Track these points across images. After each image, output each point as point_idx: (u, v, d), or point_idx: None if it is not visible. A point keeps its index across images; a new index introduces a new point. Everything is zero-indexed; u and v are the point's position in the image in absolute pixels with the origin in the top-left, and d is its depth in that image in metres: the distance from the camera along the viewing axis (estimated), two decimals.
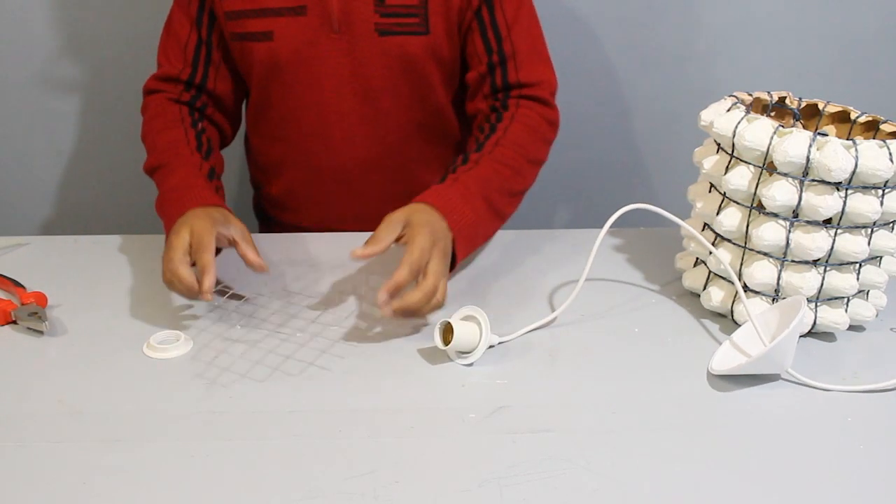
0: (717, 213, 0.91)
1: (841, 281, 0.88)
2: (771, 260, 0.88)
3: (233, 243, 0.91)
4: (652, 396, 0.81)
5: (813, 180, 0.84)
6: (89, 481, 0.68)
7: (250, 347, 0.86)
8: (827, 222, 0.86)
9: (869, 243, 0.86)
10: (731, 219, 0.90)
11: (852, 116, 0.96)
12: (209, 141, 1.09)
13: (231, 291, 0.95)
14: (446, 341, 0.83)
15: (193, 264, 0.88)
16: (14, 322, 0.89)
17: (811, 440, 0.75)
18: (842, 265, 0.88)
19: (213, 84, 1.13)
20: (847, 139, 0.84)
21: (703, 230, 0.96)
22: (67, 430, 0.74)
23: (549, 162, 1.52)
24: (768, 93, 0.99)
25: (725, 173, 0.89)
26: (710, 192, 0.95)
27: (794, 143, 0.83)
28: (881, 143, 0.83)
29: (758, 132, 0.85)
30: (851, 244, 0.85)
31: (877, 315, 0.93)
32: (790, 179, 0.84)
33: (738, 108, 0.91)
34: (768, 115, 0.98)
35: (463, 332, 0.83)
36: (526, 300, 0.97)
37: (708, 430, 0.77)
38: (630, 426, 0.76)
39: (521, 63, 1.10)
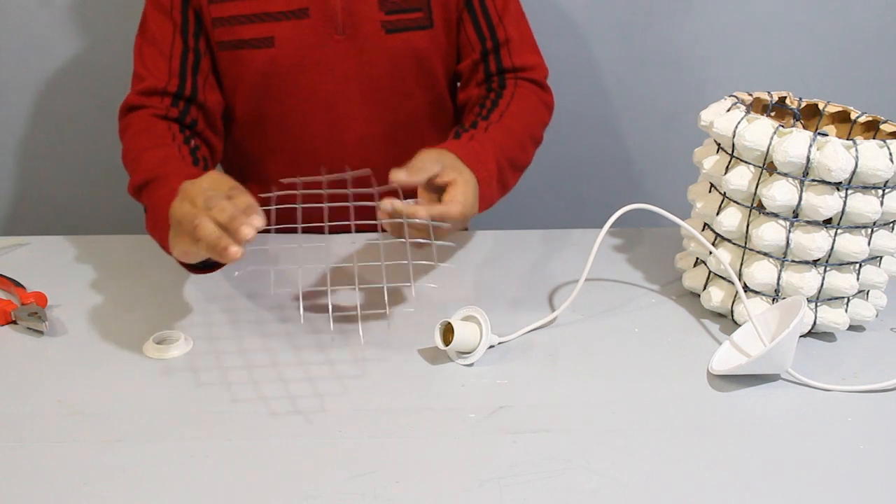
0: (717, 213, 0.91)
1: (841, 281, 0.88)
2: (771, 260, 0.89)
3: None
4: (652, 396, 0.81)
5: (813, 180, 0.84)
6: (89, 481, 0.68)
7: (250, 347, 0.86)
8: (827, 222, 0.86)
9: (869, 243, 0.86)
10: (731, 219, 0.90)
11: (852, 116, 0.96)
12: (205, 159, 1.01)
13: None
14: (446, 341, 0.83)
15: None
16: (14, 322, 0.89)
17: (811, 440, 0.75)
18: (842, 265, 0.88)
19: (203, 96, 1.04)
20: (847, 139, 0.84)
21: (703, 230, 0.96)
22: (67, 430, 0.74)
23: (549, 162, 1.52)
24: (768, 93, 0.99)
25: (725, 173, 0.89)
26: (710, 192, 0.95)
27: (794, 143, 0.83)
28: (881, 143, 0.83)
29: (758, 132, 0.85)
30: (851, 244, 0.85)
31: (877, 315, 0.93)
32: (790, 179, 0.84)
33: (738, 108, 0.91)
34: (768, 115, 0.98)
35: (463, 333, 0.83)
36: (526, 300, 0.97)
37: (708, 430, 0.77)
38: (630, 426, 0.76)
39: (515, 49, 1.12)
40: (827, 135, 0.86)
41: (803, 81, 1.56)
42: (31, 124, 1.51)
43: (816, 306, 0.89)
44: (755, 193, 0.87)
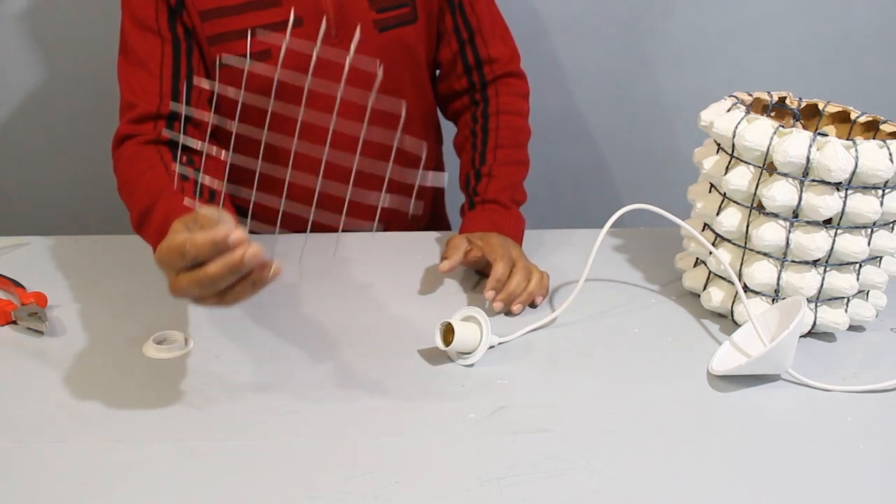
0: (717, 214, 0.91)
1: (841, 281, 0.88)
2: (771, 260, 0.88)
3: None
4: (652, 396, 0.81)
5: (813, 180, 0.84)
6: (89, 481, 0.68)
7: (250, 347, 0.86)
8: (827, 222, 0.86)
9: (869, 243, 0.86)
10: (731, 219, 0.90)
11: (852, 116, 0.96)
12: (197, 172, 0.97)
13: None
14: (447, 342, 0.83)
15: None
16: (14, 322, 0.89)
17: (811, 440, 0.75)
18: (842, 265, 0.88)
19: (198, 113, 1.01)
20: (847, 139, 0.84)
21: (703, 230, 0.96)
22: (67, 430, 0.74)
23: (549, 162, 1.52)
24: (768, 93, 0.99)
25: (725, 173, 0.89)
26: (710, 192, 0.95)
27: (794, 144, 0.83)
28: (881, 143, 0.83)
29: (758, 132, 0.85)
30: (851, 244, 0.85)
31: (877, 315, 0.93)
32: (790, 179, 0.84)
33: (738, 108, 0.91)
34: (768, 116, 0.98)
35: (463, 333, 0.83)
36: None
37: (708, 429, 0.77)
38: (630, 426, 0.76)
39: (487, 36, 1.15)
40: (827, 135, 0.86)
41: (803, 81, 1.56)
42: (30, 124, 1.51)
43: (816, 306, 0.89)
44: (755, 193, 0.87)
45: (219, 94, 1.06)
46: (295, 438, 0.73)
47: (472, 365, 0.84)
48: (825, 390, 0.82)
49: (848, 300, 0.91)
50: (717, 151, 0.93)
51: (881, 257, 0.91)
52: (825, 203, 0.83)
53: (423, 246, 1.09)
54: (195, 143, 1.00)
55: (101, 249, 1.06)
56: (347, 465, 0.70)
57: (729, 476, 0.71)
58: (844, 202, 0.84)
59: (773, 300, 0.90)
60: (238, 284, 0.67)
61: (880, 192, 0.84)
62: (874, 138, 0.92)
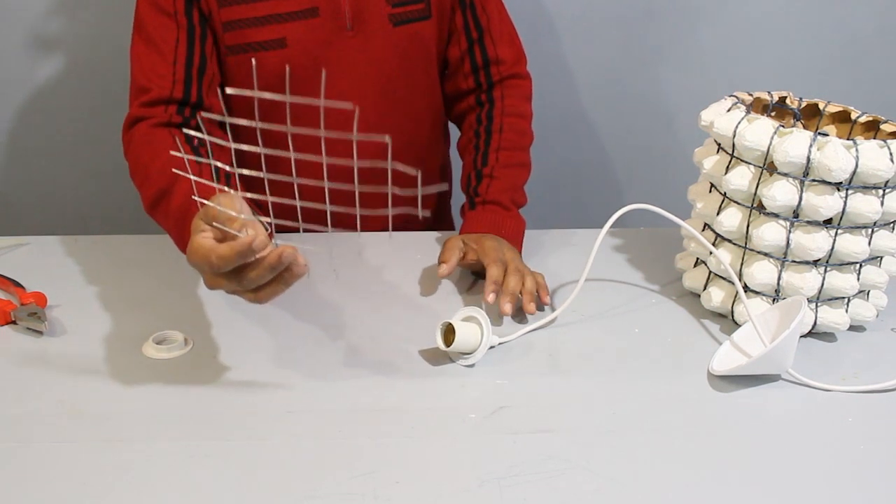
0: (718, 214, 0.91)
1: (841, 281, 0.88)
2: (771, 260, 0.88)
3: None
4: (652, 396, 0.81)
5: (813, 180, 0.84)
6: (89, 481, 0.68)
7: (250, 347, 0.86)
8: (827, 222, 0.86)
9: (869, 243, 0.86)
10: (731, 219, 0.90)
11: (853, 116, 0.96)
12: (210, 155, 0.95)
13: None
14: (448, 342, 0.83)
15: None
16: (14, 322, 0.89)
17: (811, 440, 0.75)
18: (842, 265, 0.88)
19: (209, 101, 1.02)
20: (847, 139, 0.84)
21: (703, 230, 0.96)
22: (67, 430, 0.74)
23: (549, 162, 1.52)
24: (768, 93, 0.99)
25: (726, 173, 0.89)
26: (710, 192, 0.95)
27: (794, 143, 0.83)
28: (882, 143, 0.83)
29: (758, 132, 0.85)
30: (852, 244, 0.85)
31: (877, 315, 0.93)
32: (790, 179, 0.84)
33: (739, 108, 0.91)
34: (768, 115, 0.98)
35: (464, 333, 0.83)
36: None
37: (708, 430, 0.76)
38: (630, 426, 0.76)
39: (496, 36, 1.16)
40: (827, 135, 0.86)
41: (803, 81, 1.56)
42: (30, 124, 1.51)
43: (817, 306, 0.89)
44: (755, 193, 0.87)
45: (230, 82, 1.06)
46: (295, 438, 0.73)
47: (472, 365, 0.84)
48: (825, 390, 0.82)
49: (848, 300, 0.91)
50: (718, 151, 0.93)
51: (881, 257, 0.91)
52: (825, 203, 0.83)
53: (423, 246, 1.09)
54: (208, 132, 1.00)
55: (101, 249, 1.06)
56: (347, 465, 0.70)
57: (729, 476, 0.71)
58: (845, 202, 0.84)
59: (773, 300, 0.90)
60: (273, 282, 0.69)
61: (881, 191, 0.84)
62: (874, 138, 0.91)
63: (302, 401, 0.78)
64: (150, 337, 0.86)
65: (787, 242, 0.86)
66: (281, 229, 0.72)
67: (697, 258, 0.99)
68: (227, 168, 0.73)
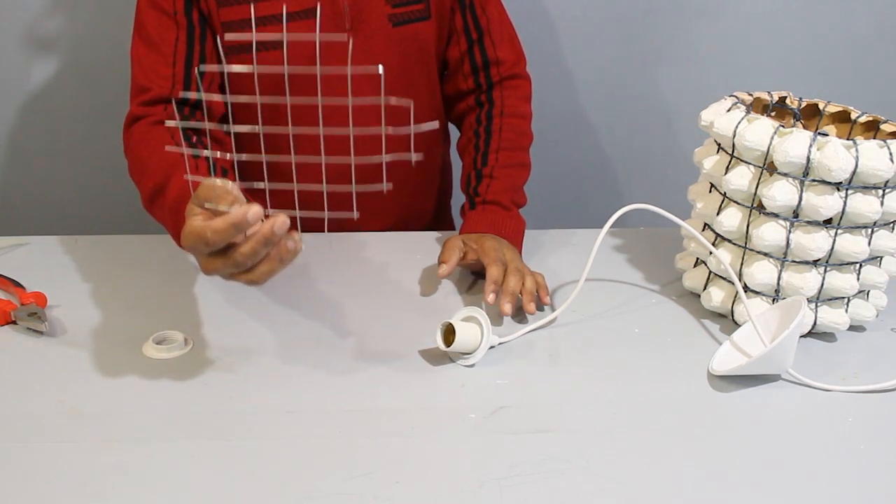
0: (718, 213, 0.91)
1: (841, 281, 0.88)
2: (771, 260, 0.88)
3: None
4: (652, 396, 0.81)
5: (813, 180, 0.84)
6: (89, 481, 0.68)
7: (250, 348, 0.86)
8: (827, 222, 0.86)
9: (869, 243, 0.86)
10: (731, 219, 0.90)
11: (852, 116, 0.96)
12: (208, 149, 0.98)
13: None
14: (448, 342, 0.83)
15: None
16: (14, 322, 0.89)
17: (811, 440, 0.75)
18: (842, 265, 0.88)
19: (209, 101, 1.02)
20: (847, 139, 0.84)
21: (703, 230, 0.96)
22: (67, 430, 0.74)
23: (549, 162, 1.52)
24: (768, 93, 0.99)
25: (726, 173, 0.89)
26: (710, 192, 0.95)
27: (794, 143, 0.83)
28: (881, 143, 0.83)
29: (758, 132, 0.85)
30: (852, 244, 0.85)
31: (877, 315, 0.93)
32: (790, 179, 0.84)
33: (739, 108, 0.91)
34: (768, 115, 0.98)
35: (465, 334, 0.83)
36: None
37: (708, 430, 0.76)
38: (630, 426, 0.76)
39: (496, 37, 1.16)
40: (827, 135, 0.86)
41: (803, 81, 1.56)
42: (30, 124, 1.51)
43: (817, 306, 0.89)
44: (755, 193, 0.87)
45: (230, 83, 1.07)
46: (295, 438, 0.73)
47: (472, 365, 0.84)
48: (825, 390, 0.82)
49: (848, 300, 0.91)
50: (718, 151, 0.93)
51: (881, 257, 0.91)
52: (825, 203, 0.83)
53: (423, 246, 1.09)
54: (204, 123, 1.01)
55: (101, 249, 1.06)
56: (347, 465, 0.70)
57: (729, 476, 0.71)
58: (845, 202, 0.84)
59: (773, 300, 0.90)
60: (266, 260, 0.69)
61: (881, 191, 0.84)
62: (874, 138, 0.91)
63: (302, 401, 0.78)
64: (150, 337, 0.86)
65: (787, 242, 0.86)
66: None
67: (697, 258, 0.99)
68: (230, 156, 0.73)
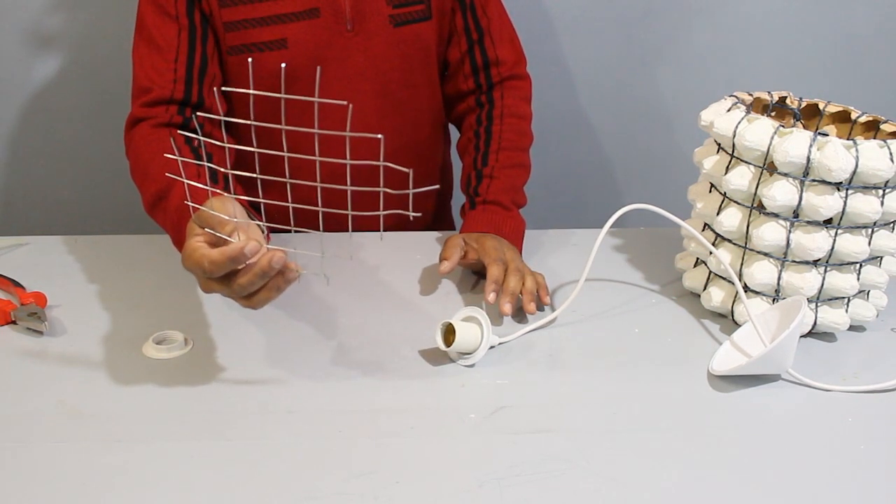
0: (718, 213, 0.91)
1: (841, 281, 0.88)
2: (771, 260, 0.88)
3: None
4: (652, 396, 0.81)
5: (813, 180, 0.84)
6: (89, 481, 0.68)
7: (250, 347, 0.86)
8: (827, 222, 0.86)
9: (869, 243, 0.86)
10: (731, 219, 0.90)
11: (853, 116, 0.96)
12: (209, 155, 0.97)
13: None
14: (448, 342, 0.83)
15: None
16: (14, 322, 0.89)
17: (811, 440, 0.75)
18: (842, 265, 0.88)
19: (209, 102, 1.02)
20: (847, 139, 0.84)
21: (703, 230, 0.96)
22: (67, 430, 0.74)
23: (549, 162, 1.52)
24: (768, 93, 0.99)
25: (726, 173, 0.89)
26: (710, 192, 0.95)
27: (794, 143, 0.83)
28: (882, 143, 0.83)
29: (758, 132, 0.85)
30: (852, 244, 0.85)
31: (877, 315, 0.93)
32: (790, 179, 0.84)
33: (739, 108, 0.91)
34: (768, 115, 0.98)
35: (465, 334, 0.83)
36: None
37: (708, 430, 0.76)
38: (630, 426, 0.76)
39: (496, 38, 1.16)
40: (827, 135, 0.86)
41: (803, 81, 1.56)
42: (29, 124, 1.51)
43: (817, 306, 0.89)
44: (755, 193, 0.87)
45: (231, 83, 1.07)
46: (295, 438, 0.73)
47: (472, 365, 0.84)
48: (825, 390, 0.82)
49: (848, 300, 0.91)
50: (718, 151, 0.93)
51: (882, 257, 0.91)
52: (825, 203, 0.83)
53: (423, 246, 1.09)
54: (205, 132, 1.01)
55: (101, 249, 1.06)
56: (347, 465, 0.70)
57: (729, 476, 0.71)
58: (845, 202, 0.84)
59: (773, 300, 0.90)
60: (265, 289, 0.71)
61: (881, 191, 0.84)
62: (874, 138, 0.91)
63: (302, 401, 0.78)
64: (150, 337, 0.86)
65: (787, 242, 0.86)
66: (277, 230, 0.72)
67: (697, 258, 0.99)
68: (222, 169, 0.73)
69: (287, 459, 0.71)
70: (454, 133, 1.26)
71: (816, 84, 1.57)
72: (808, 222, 0.86)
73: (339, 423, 0.75)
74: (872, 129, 0.95)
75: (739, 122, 0.87)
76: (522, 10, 1.42)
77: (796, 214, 0.86)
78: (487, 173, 1.10)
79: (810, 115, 0.99)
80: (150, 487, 0.68)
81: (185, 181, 0.72)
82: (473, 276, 1.02)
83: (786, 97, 0.99)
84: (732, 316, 0.92)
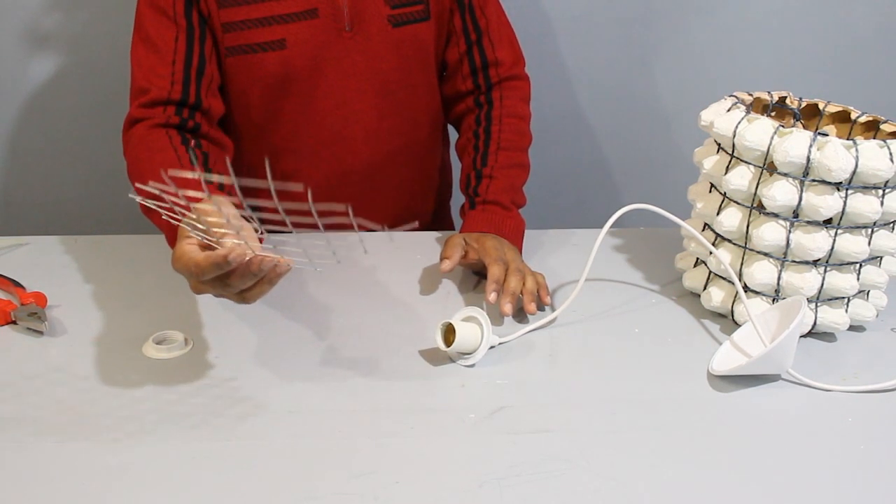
0: (718, 213, 0.91)
1: (841, 281, 0.88)
2: (771, 260, 0.88)
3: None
4: (652, 396, 0.81)
5: (813, 180, 0.84)
6: (89, 481, 0.68)
7: (250, 347, 0.86)
8: (827, 222, 0.86)
9: (869, 243, 0.86)
10: (731, 219, 0.90)
11: (852, 116, 0.96)
12: (205, 155, 0.98)
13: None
14: (448, 342, 0.83)
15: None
16: (14, 322, 0.89)
17: (811, 440, 0.75)
18: (842, 265, 0.88)
19: (207, 102, 1.02)
20: (847, 139, 0.84)
21: (703, 230, 0.96)
22: (67, 430, 0.74)
23: (549, 162, 1.52)
24: (768, 93, 0.99)
25: (726, 173, 0.89)
26: (710, 192, 0.95)
27: (794, 143, 0.83)
28: (881, 143, 0.83)
29: (758, 132, 0.85)
30: (852, 244, 0.85)
31: (877, 315, 0.93)
32: (790, 179, 0.84)
33: (739, 108, 0.91)
34: (768, 115, 0.98)
35: (465, 334, 0.83)
36: None
37: (708, 430, 0.77)
38: (630, 426, 0.76)
39: (495, 38, 1.16)
40: (827, 135, 0.86)
41: (803, 81, 1.56)
42: (29, 124, 1.51)
43: (817, 306, 0.89)
44: (755, 193, 0.87)
45: (229, 83, 1.07)
46: (295, 438, 0.73)
47: (472, 365, 0.84)
48: (825, 390, 0.82)
49: (848, 300, 0.91)
50: (718, 151, 0.93)
51: (881, 257, 0.91)
52: (825, 203, 0.83)
53: (423, 246, 1.09)
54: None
55: (101, 249, 1.06)
56: (347, 466, 0.70)
57: (729, 476, 0.71)
58: (845, 202, 0.84)
59: (773, 300, 0.90)
60: (257, 284, 0.71)
61: (881, 191, 0.84)
62: (874, 138, 0.91)
63: (302, 401, 0.78)
64: (150, 337, 0.86)
65: (787, 242, 0.86)
66: (274, 231, 0.72)
67: (697, 258, 0.99)
68: (215, 177, 0.74)
69: (287, 459, 0.71)
70: (453, 133, 1.26)
71: (816, 84, 1.57)
72: (808, 222, 0.86)
73: (339, 423, 0.75)
74: (872, 129, 0.95)
75: (739, 122, 0.87)
76: (521, 11, 1.42)
77: (796, 214, 0.86)
78: (487, 173, 1.10)
79: (810, 115, 0.99)
80: (150, 487, 0.68)
81: (179, 191, 0.72)
82: (474, 276, 1.02)
83: (786, 97, 0.99)
84: (732, 316, 0.92)
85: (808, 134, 0.83)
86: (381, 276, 1.01)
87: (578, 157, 1.62)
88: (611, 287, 1.01)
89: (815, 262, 0.87)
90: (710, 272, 0.95)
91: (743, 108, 0.91)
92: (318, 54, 1.06)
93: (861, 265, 0.89)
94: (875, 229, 0.87)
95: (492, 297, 0.90)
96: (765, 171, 0.87)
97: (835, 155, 0.81)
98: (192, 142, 0.98)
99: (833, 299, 0.90)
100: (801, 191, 0.84)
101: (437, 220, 1.28)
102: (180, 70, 1.00)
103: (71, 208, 1.58)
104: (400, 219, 1.19)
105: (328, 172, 1.14)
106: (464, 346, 0.83)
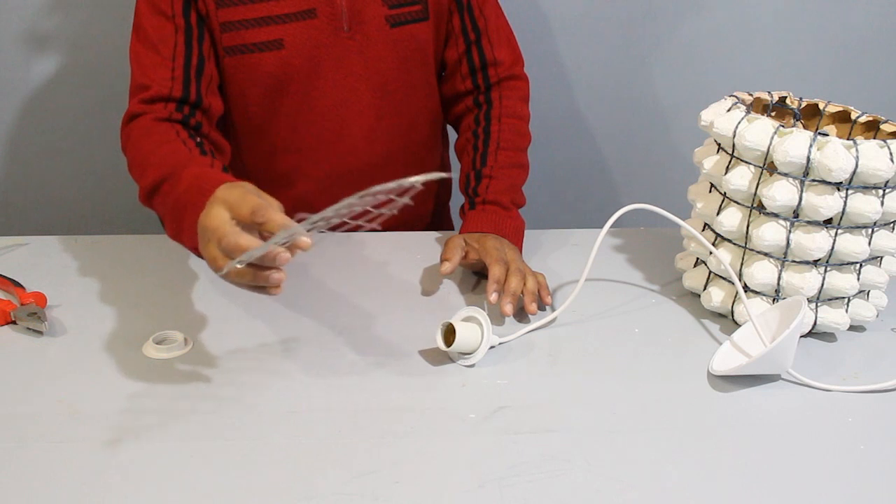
0: (718, 213, 0.91)
1: (841, 281, 0.88)
2: (771, 260, 0.88)
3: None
4: (652, 396, 0.81)
5: (813, 180, 0.84)
6: (89, 481, 0.68)
7: (250, 347, 0.86)
8: (827, 222, 0.86)
9: (869, 243, 0.86)
10: (731, 219, 0.90)
11: (853, 116, 0.96)
12: (213, 154, 0.96)
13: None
14: (448, 342, 0.83)
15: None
16: (14, 322, 0.89)
17: (811, 440, 0.75)
18: (842, 265, 0.88)
19: (207, 101, 1.02)
20: (847, 139, 0.84)
21: (703, 230, 0.96)
22: (67, 430, 0.74)
23: (549, 162, 1.52)
24: (768, 93, 0.99)
25: (726, 173, 0.89)
26: (710, 192, 0.95)
27: (794, 143, 0.83)
28: (882, 143, 0.83)
29: (758, 132, 0.85)
30: (852, 244, 0.85)
31: (877, 315, 0.93)
32: (790, 179, 0.84)
33: (739, 108, 0.91)
34: (768, 115, 0.98)
35: (465, 334, 0.83)
36: None
37: (708, 430, 0.77)
38: (630, 426, 0.76)
39: (494, 38, 1.16)
40: (827, 135, 0.86)
41: (803, 81, 1.56)
42: (30, 124, 1.51)
43: (817, 306, 0.89)
44: (755, 193, 0.87)
45: (227, 83, 1.07)
46: (295, 438, 0.73)
47: (472, 365, 0.84)
48: (825, 390, 0.82)
49: (848, 300, 0.91)
50: (718, 151, 0.93)
51: (882, 257, 0.91)
52: (826, 203, 0.83)
53: (423, 246, 1.09)
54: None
55: (101, 249, 1.06)
56: (347, 466, 0.70)
57: (729, 476, 0.71)
58: (845, 202, 0.84)
59: (773, 300, 0.90)
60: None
61: (881, 191, 0.84)
62: (874, 138, 0.92)
63: (302, 401, 0.78)
64: (150, 337, 0.86)
65: (787, 242, 0.86)
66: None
67: (697, 258, 0.99)
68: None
69: (287, 459, 0.71)
70: (452, 134, 1.26)
71: (816, 84, 1.57)
72: (808, 222, 0.86)
73: (339, 423, 0.75)
74: (872, 129, 0.95)
75: (739, 122, 0.87)
76: (520, 10, 1.42)
77: (796, 214, 0.86)
78: (486, 173, 1.10)
79: (810, 115, 1.00)
80: (150, 487, 0.68)
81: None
82: (474, 277, 1.02)
83: (786, 97, 0.99)
84: (732, 316, 0.92)
85: (808, 134, 0.83)
86: (381, 277, 1.01)
87: (578, 157, 1.62)
88: (611, 287, 1.01)
89: (816, 262, 0.87)
90: (710, 272, 0.95)
91: (743, 108, 0.91)
92: (316, 54, 1.06)
93: (861, 265, 0.89)
94: (875, 229, 0.87)
95: (493, 297, 0.90)
96: (765, 171, 0.87)
97: (835, 155, 0.81)
98: (199, 139, 0.98)
99: (833, 299, 0.90)
100: (802, 191, 0.84)
101: (436, 220, 1.28)
102: (180, 68, 1.00)
103: (71, 208, 1.58)
104: (399, 219, 1.19)
105: (327, 172, 1.14)
106: (464, 346, 0.83)
